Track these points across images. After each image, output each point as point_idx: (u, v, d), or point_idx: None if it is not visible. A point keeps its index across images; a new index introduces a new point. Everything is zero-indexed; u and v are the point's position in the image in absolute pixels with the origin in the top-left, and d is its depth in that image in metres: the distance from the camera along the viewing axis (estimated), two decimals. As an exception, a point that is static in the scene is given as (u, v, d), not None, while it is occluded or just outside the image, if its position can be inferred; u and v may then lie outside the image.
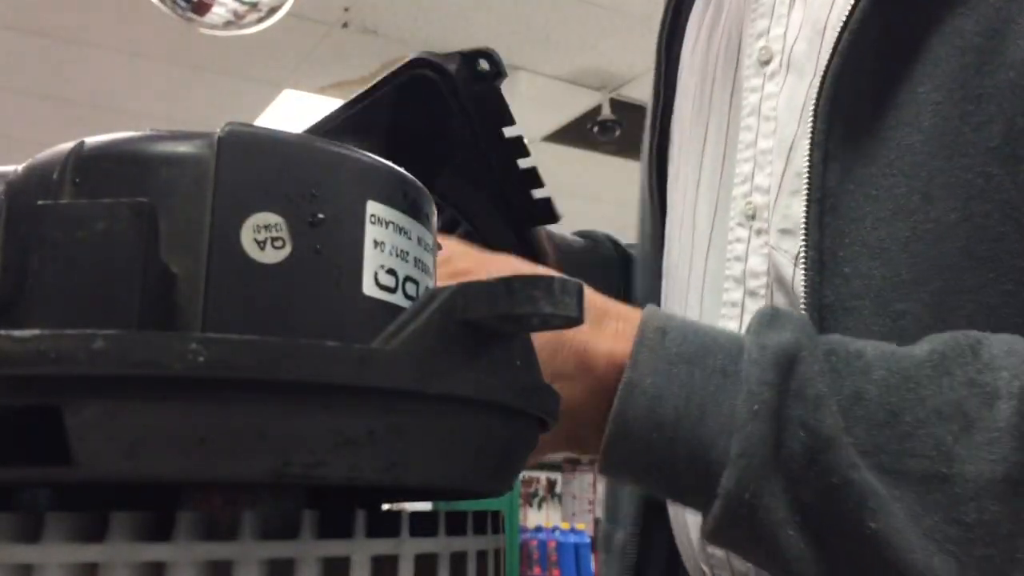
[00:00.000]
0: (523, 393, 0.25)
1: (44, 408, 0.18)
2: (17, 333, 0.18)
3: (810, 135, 0.47)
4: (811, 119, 0.47)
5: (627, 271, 0.72)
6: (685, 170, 0.61)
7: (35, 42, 3.47)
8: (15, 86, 3.76)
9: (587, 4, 3.29)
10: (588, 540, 5.07)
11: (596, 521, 5.40)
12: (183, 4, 2.29)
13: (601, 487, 5.28)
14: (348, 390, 0.20)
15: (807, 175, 0.47)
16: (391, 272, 0.24)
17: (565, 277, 0.23)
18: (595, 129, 4.00)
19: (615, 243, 0.75)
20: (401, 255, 0.25)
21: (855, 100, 0.47)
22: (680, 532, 0.58)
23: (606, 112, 3.96)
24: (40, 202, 0.20)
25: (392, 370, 0.21)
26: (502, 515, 0.28)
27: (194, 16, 2.32)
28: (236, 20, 2.38)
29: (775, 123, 0.52)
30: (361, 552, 0.21)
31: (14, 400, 0.18)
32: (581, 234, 0.73)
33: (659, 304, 0.63)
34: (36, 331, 0.18)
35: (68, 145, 0.23)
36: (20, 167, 0.24)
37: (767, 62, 0.54)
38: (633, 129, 4.28)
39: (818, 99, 0.47)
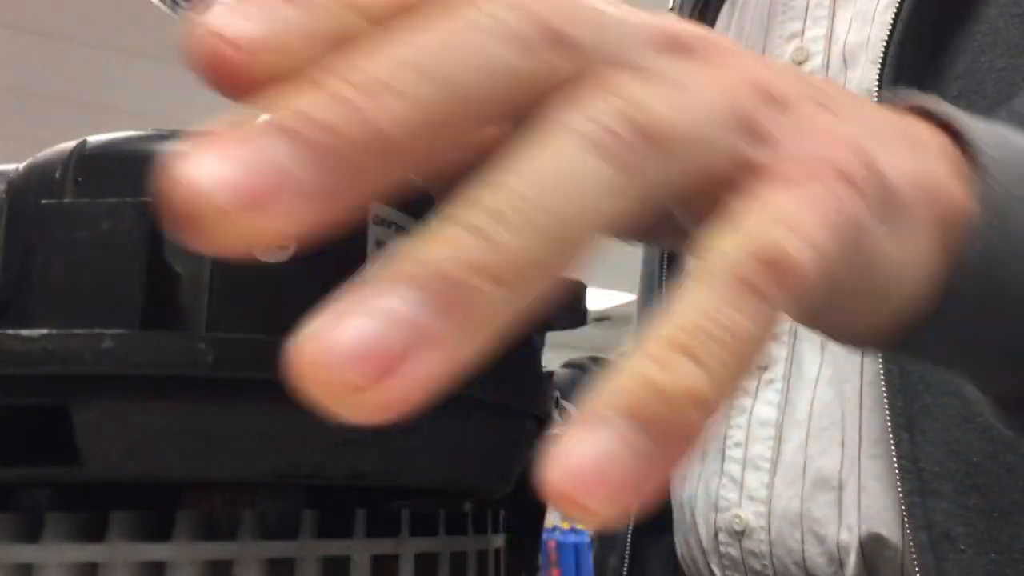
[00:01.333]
0: (524, 393, 0.25)
1: (51, 407, 0.18)
2: (25, 333, 0.18)
3: None
4: (874, 98, 0.48)
5: None
6: None
7: (35, 42, 3.47)
8: (15, 86, 3.76)
9: (587, 4, 3.29)
10: (588, 540, 5.07)
11: (596, 521, 5.38)
12: (183, 3, 2.29)
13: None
14: None
15: None
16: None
17: (567, 276, 0.23)
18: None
19: (601, 363, 0.76)
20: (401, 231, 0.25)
21: (913, 75, 0.48)
22: (689, 536, 0.57)
23: (606, 112, 3.96)
24: (43, 201, 0.20)
25: None
26: (502, 515, 0.28)
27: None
28: (236, 20, 2.38)
29: None
30: (361, 552, 0.21)
31: (21, 399, 0.18)
32: (567, 364, 0.74)
33: None
34: (44, 331, 0.18)
35: (70, 144, 0.23)
36: (21, 166, 0.24)
37: (802, 62, 0.55)
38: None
39: (880, 78, 0.48)
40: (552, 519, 5.45)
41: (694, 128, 0.17)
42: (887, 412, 0.45)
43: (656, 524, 0.60)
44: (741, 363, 0.16)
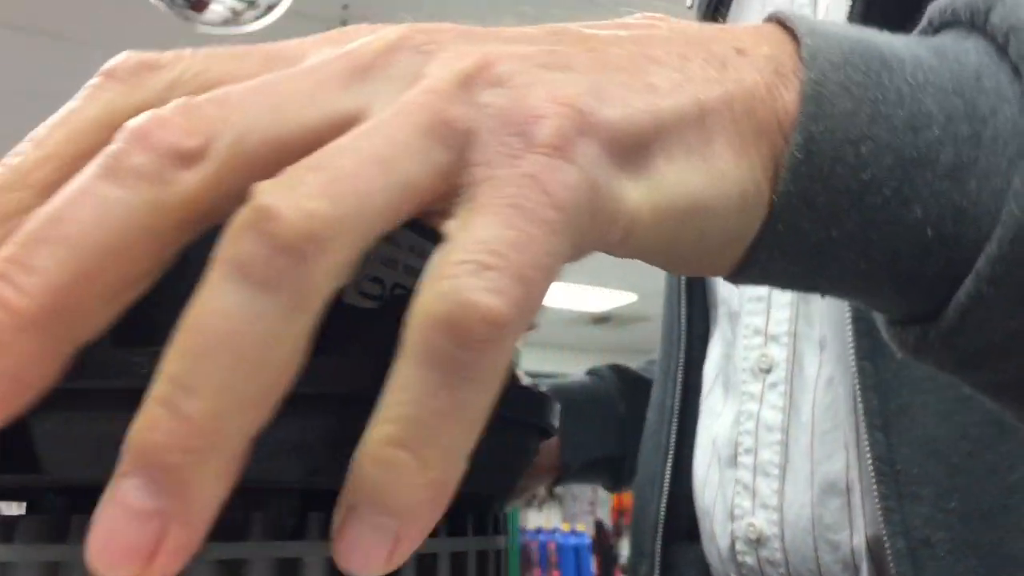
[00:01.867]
0: (518, 402, 0.25)
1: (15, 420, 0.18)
2: None
3: None
4: None
5: (635, 395, 0.71)
6: None
7: (35, 42, 3.48)
8: (15, 86, 3.77)
9: (589, 3, 3.29)
10: (588, 542, 5.07)
11: (597, 523, 5.40)
12: (181, 2, 2.29)
13: (601, 492, 5.29)
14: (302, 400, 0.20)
15: None
16: (376, 280, 0.24)
17: None
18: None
19: (621, 371, 0.75)
20: (388, 263, 0.24)
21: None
22: (710, 545, 0.57)
23: (606, 112, 3.95)
24: None
25: (343, 377, 0.20)
26: (504, 516, 0.28)
27: (192, 13, 2.32)
28: (234, 17, 2.38)
29: None
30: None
31: None
32: (590, 372, 0.74)
33: (707, 334, 0.63)
34: None
35: None
36: None
37: None
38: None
39: None
40: (553, 521, 5.46)
41: (363, 184, 0.17)
42: (862, 413, 0.44)
43: (685, 532, 0.60)
44: (468, 432, 0.17)
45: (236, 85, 0.18)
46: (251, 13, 2.40)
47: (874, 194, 0.22)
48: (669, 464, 0.60)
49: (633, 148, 0.20)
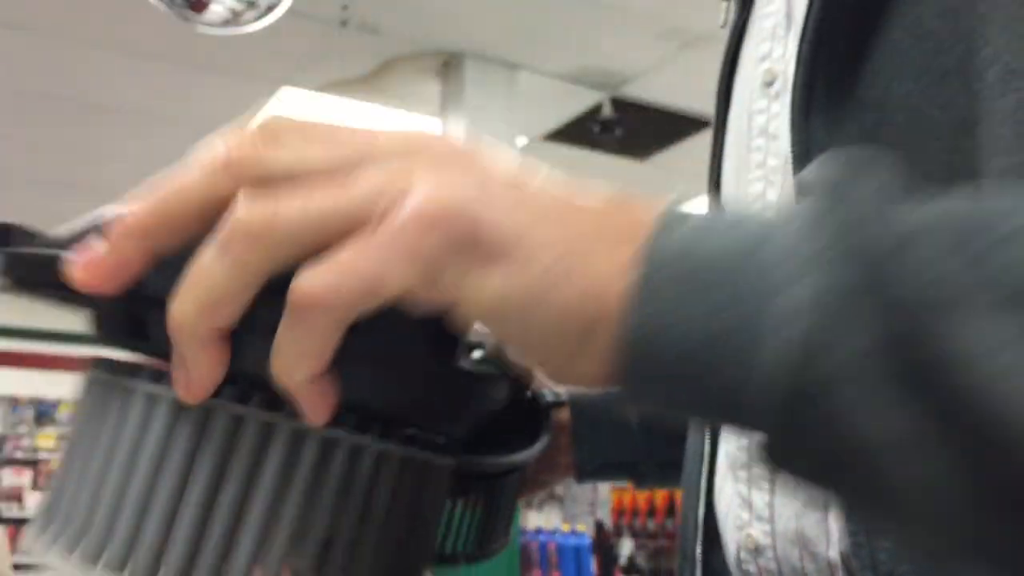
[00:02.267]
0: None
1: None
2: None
3: (792, 149, 0.46)
4: (788, 133, 0.47)
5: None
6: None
7: (35, 42, 3.48)
8: (15, 86, 3.77)
9: (588, 2, 3.29)
10: (588, 542, 5.06)
11: (597, 523, 5.39)
12: (180, 2, 2.29)
13: (604, 489, 5.27)
14: None
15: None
16: None
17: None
18: (596, 128, 4.00)
19: None
20: None
21: (828, 99, 0.46)
22: (724, 552, 0.57)
23: (607, 111, 3.96)
24: None
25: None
26: (451, 441, 0.33)
27: (191, 14, 2.32)
28: (234, 18, 2.38)
29: (783, 140, 0.52)
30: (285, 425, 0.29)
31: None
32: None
33: None
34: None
35: None
36: None
37: (771, 83, 0.54)
38: (634, 128, 4.26)
39: (792, 109, 0.46)
40: (553, 521, 5.45)
41: (286, 218, 0.27)
42: None
43: (721, 539, 0.60)
44: (303, 357, 0.27)
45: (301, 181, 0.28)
46: (251, 13, 2.39)
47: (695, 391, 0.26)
48: (705, 469, 0.61)
49: (483, 248, 0.27)
